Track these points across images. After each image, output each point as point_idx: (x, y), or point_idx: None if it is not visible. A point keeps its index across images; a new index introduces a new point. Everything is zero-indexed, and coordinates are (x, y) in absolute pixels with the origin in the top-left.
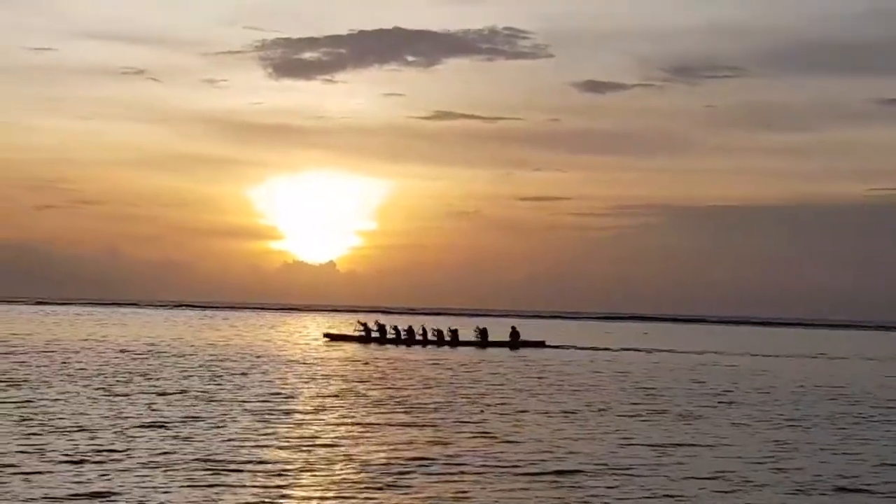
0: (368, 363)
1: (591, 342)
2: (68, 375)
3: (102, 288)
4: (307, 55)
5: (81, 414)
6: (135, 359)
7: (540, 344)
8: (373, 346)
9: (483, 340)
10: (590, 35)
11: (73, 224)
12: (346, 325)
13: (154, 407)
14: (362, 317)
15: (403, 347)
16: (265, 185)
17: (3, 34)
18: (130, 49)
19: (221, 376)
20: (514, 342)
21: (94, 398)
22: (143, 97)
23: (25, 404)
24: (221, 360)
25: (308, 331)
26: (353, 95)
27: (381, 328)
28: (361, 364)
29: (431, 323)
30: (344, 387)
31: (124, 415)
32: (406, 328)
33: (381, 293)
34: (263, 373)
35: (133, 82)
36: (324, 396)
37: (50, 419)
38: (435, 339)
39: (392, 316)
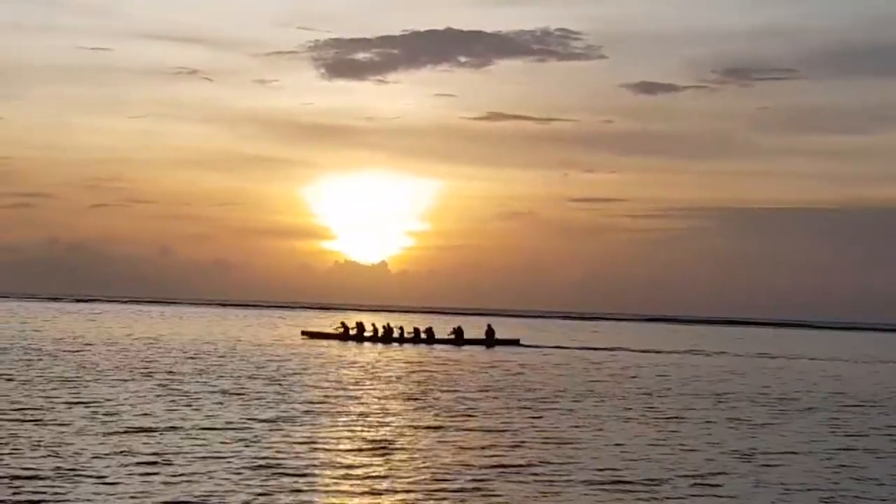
0: (418, 364)
1: (577, 343)
2: (129, 374)
3: (154, 287)
4: (360, 56)
5: (146, 415)
6: (190, 357)
7: (514, 342)
8: (351, 344)
9: (459, 339)
10: (642, 37)
11: (127, 223)
12: (407, 323)
13: (216, 407)
14: (415, 318)
15: (380, 345)
16: (317, 185)
17: (59, 34)
18: (184, 49)
19: (282, 377)
20: (490, 340)
21: (157, 398)
22: (196, 97)
23: (90, 404)
24: (270, 359)
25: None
26: (405, 96)
27: (360, 326)
28: (410, 364)
29: (483, 323)
30: (402, 389)
31: (186, 415)
32: (384, 326)
33: (433, 294)
34: (315, 373)
35: (186, 82)
36: (382, 398)
37: (117, 419)
38: (411, 337)
39: (444, 316)
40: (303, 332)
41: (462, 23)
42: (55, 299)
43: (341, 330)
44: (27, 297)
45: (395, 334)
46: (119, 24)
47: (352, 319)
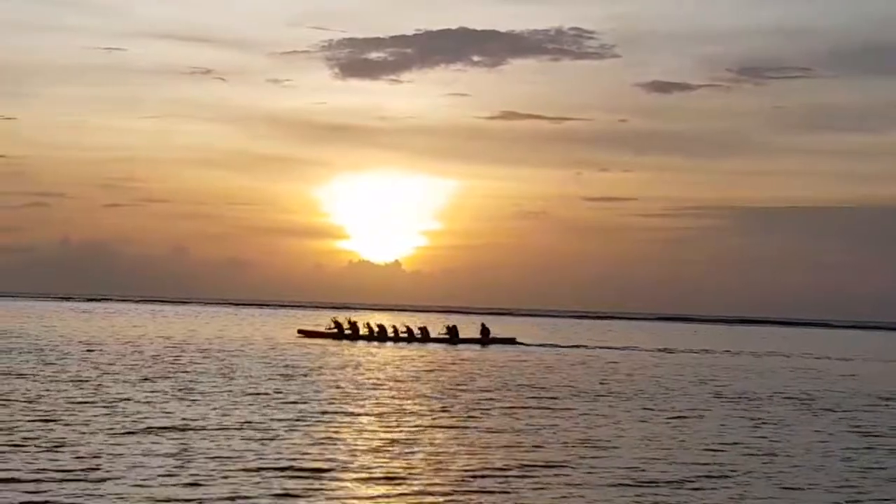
0: (433, 363)
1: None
2: (144, 373)
3: (169, 286)
4: (373, 55)
5: (164, 414)
6: (206, 356)
7: (511, 341)
8: (345, 342)
9: (453, 338)
10: (656, 35)
11: (141, 222)
12: (429, 324)
13: (233, 407)
14: (429, 317)
15: (376, 344)
16: (331, 185)
17: (73, 34)
18: (198, 49)
19: (299, 377)
20: (485, 339)
21: (174, 397)
22: (210, 97)
23: (108, 404)
24: (283, 359)
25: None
26: (419, 95)
27: (353, 325)
28: (425, 363)
29: (495, 322)
30: (420, 388)
31: (204, 415)
32: (377, 325)
33: (447, 293)
34: (323, 373)
35: (200, 82)
36: (402, 398)
37: (135, 419)
38: (406, 336)
39: (457, 316)
40: (299, 331)
41: (476, 22)
42: (68, 298)
43: (335, 329)
44: (41, 296)
45: (390, 333)
46: (133, 24)
47: (343, 318)
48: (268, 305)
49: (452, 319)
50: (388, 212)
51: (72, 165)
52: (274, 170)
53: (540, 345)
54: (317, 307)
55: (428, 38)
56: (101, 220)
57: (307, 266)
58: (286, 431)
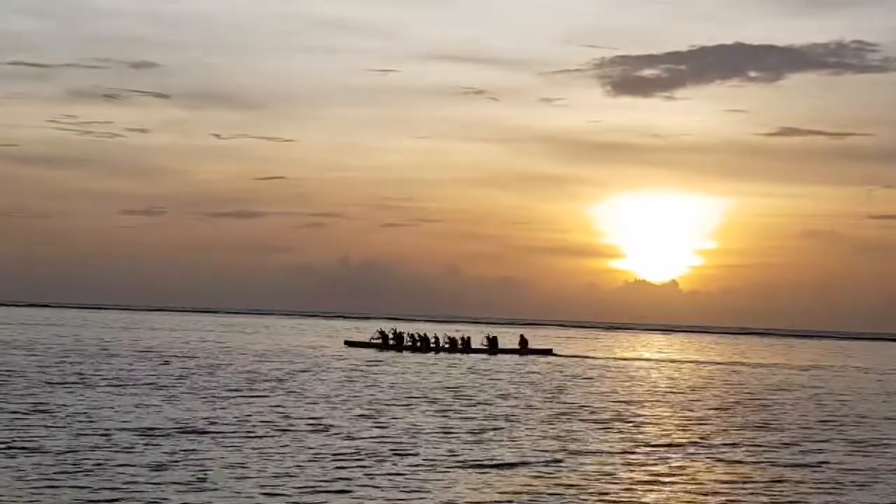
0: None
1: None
2: (432, 399)
3: (443, 304)
4: (646, 72)
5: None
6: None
7: (547, 352)
8: (390, 353)
9: (493, 348)
10: None
11: (416, 241)
12: (692, 346)
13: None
14: (706, 338)
15: (420, 354)
16: (604, 204)
17: (349, 57)
18: (470, 69)
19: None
20: (523, 350)
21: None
22: (482, 117)
23: (412, 432)
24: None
25: (654, 353)
26: (694, 112)
27: (398, 336)
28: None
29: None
30: (682, 408)
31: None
32: (421, 336)
33: (725, 313)
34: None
35: (473, 102)
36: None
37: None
38: (447, 346)
39: (740, 337)
40: (346, 342)
41: (752, 37)
42: (345, 317)
43: (380, 339)
44: (321, 314)
45: (432, 344)
46: (406, 46)
47: (388, 328)
48: (541, 324)
49: (738, 340)
50: (663, 231)
51: (349, 185)
52: (546, 189)
53: (575, 356)
54: (590, 327)
55: (703, 53)
56: (378, 239)
57: (581, 285)
58: (576, 463)
